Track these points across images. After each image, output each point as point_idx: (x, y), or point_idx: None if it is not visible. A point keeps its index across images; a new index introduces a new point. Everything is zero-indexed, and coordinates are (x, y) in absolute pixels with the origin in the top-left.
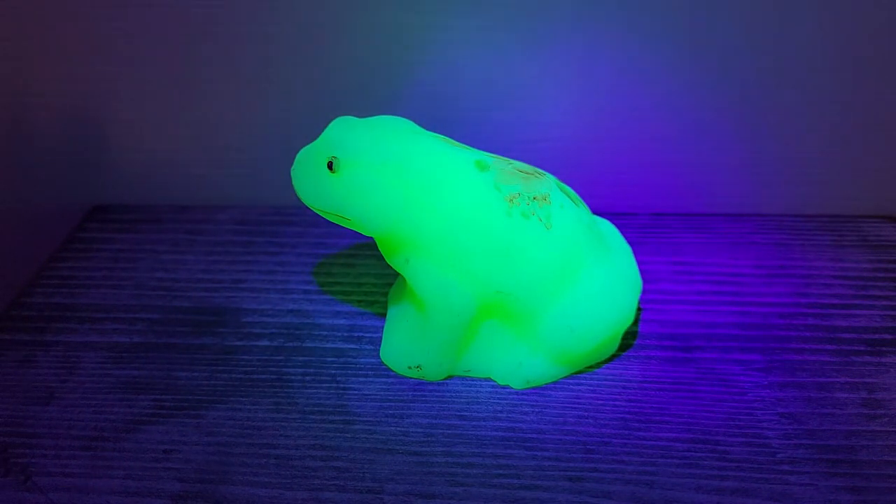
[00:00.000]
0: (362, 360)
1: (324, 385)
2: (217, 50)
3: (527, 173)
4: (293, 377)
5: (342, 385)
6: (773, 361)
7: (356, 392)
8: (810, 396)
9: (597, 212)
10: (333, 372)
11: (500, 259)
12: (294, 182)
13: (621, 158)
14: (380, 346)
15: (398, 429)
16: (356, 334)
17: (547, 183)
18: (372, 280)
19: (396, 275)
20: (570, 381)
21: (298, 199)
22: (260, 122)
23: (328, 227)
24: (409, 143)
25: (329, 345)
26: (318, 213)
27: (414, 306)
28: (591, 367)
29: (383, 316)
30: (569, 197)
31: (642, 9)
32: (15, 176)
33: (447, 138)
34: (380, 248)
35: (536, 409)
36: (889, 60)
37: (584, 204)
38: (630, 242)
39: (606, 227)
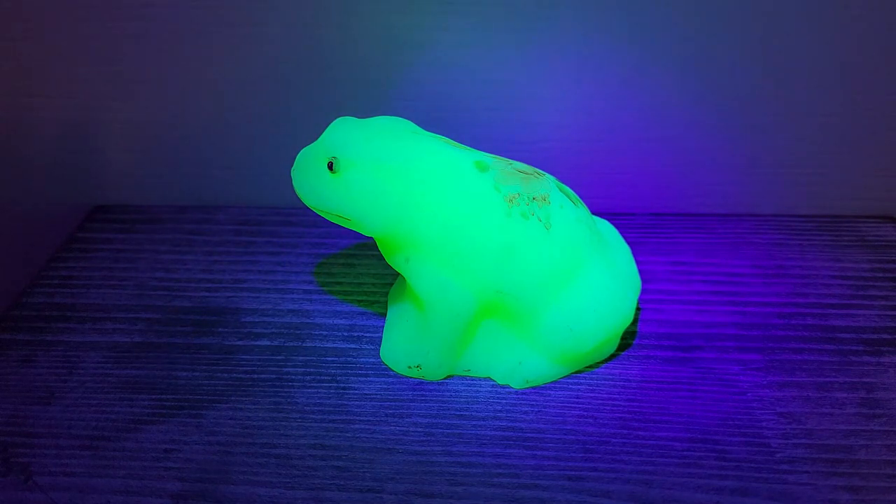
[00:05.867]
0: (362, 359)
1: (324, 385)
2: (217, 50)
3: (526, 174)
4: (293, 377)
5: (342, 385)
6: (771, 361)
7: (356, 392)
8: (809, 396)
9: (596, 212)
10: (333, 372)
11: (499, 259)
12: (294, 182)
13: (621, 158)
14: (380, 345)
15: (398, 428)
16: (356, 334)
17: (546, 183)
18: (372, 280)
19: (396, 275)
20: (570, 380)
21: (298, 199)
22: (260, 122)
23: (328, 227)
24: (408, 144)
25: (329, 345)
26: (318, 213)
27: (414, 306)
28: (590, 366)
29: (383, 316)
30: (568, 197)
31: (642, 10)
32: (15, 176)
33: (447, 139)
34: (380, 248)
35: (536, 409)
36: (887, 60)
37: (583, 204)
38: (629, 242)
39: (606, 227)
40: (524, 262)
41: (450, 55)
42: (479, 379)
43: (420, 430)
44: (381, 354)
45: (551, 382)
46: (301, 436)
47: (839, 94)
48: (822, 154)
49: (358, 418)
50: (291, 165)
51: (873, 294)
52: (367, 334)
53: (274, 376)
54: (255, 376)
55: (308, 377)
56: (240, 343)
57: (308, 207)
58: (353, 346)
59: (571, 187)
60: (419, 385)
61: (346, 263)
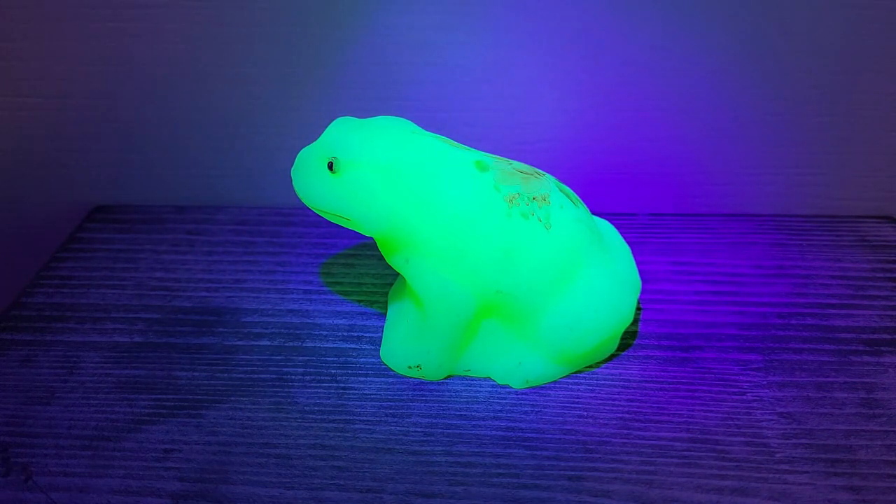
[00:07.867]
0: (362, 359)
1: (324, 385)
2: (217, 50)
3: (526, 174)
4: (293, 377)
5: (342, 385)
6: (771, 361)
7: (356, 392)
8: (809, 396)
9: (597, 212)
10: (333, 372)
11: (499, 259)
12: (294, 182)
13: (621, 158)
14: (380, 345)
15: (398, 428)
16: (356, 334)
17: (546, 183)
18: (372, 280)
19: (396, 275)
20: (570, 380)
21: (298, 199)
22: (260, 123)
23: (328, 227)
24: (408, 144)
25: (329, 345)
26: (318, 213)
27: (414, 306)
28: (590, 366)
29: (383, 316)
30: (568, 197)
31: (642, 10)
32: (15, 176)
33: (447, 139)
34: (380, 248)
35: (536, 409)
36: (887, 61)
37: (583, 204)
38: (629, 242)
39: (606, 228)
40: (524, 262)
41: (450, 56)
42: (479, 379)
43: (420, 430)
44: (381, 354)
45: (551, 382)
46: (301, 436)
47: (839, 94)
48: (822, 154)
49: (358, 418)
50: (291, 165)
51: (873, 294)
52: (367, 334)
53: (274, 376)
54: (255, 376)
55: (308, 377)
56: (240, 343)
57: (308, 207)
58: (353, 346)
59: (571, 187)
60: (419, 385)
61: (346, 263)
